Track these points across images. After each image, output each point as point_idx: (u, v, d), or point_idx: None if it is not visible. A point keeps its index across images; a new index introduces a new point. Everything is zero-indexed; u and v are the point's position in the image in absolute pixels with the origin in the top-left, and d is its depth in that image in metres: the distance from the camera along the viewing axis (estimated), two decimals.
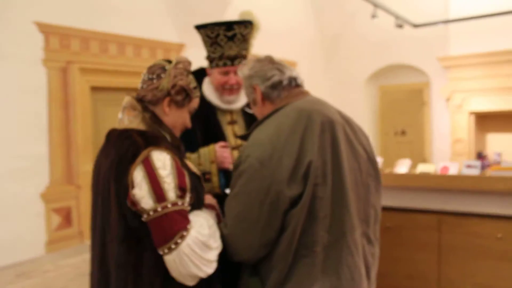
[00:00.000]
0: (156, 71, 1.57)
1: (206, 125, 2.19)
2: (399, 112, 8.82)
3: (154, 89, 1.54)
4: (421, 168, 3.09)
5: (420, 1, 7.58)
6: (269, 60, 1.72)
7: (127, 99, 1.58)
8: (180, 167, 1.46)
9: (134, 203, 1.38)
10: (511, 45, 7.16)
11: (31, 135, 4.56)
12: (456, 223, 2.68)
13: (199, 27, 2.22)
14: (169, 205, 1.38)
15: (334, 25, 8.33)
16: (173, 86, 1.55)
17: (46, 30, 4.64)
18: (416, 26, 6.95)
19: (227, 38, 2.16)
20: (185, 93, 1.59)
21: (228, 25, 2.16)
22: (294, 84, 1.69)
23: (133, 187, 1.38)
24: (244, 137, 1.76)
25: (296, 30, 7.87)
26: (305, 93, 1.70)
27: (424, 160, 8.19)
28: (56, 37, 4.73)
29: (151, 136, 1.48)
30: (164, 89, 1.54)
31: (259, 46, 6.15)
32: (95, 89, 5.23)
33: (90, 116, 5.11)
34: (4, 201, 4.29)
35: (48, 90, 4.68)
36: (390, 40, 7.96)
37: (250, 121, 2.27)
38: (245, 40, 2.21)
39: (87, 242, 4.97)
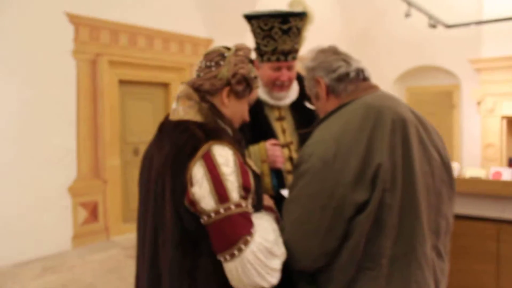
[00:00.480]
0: (215, 58, 1.43)
1: (254, 121, 2.06)
2: (427, 114, 8.50)
3: (213, 77, 1.41)
4: (471, 172, 2.94)
5: (453, 1, 7.38)
6: (334, 50, 1.59)
7: (182, 87, 1.45)
8: (243, 164, 1.33)
9: (193, 202, 1.25)
10: None
11: (60, 127, 4.51)
12: None
13: (250, 17, 2.09)
14: (233, 207, 1.25)
15: (362, 22, 8.17)
16: (234, 75, 1.42)
17: (77, 21, 4.58)
18: (448, 26, 6.76)
19: (282, 32, 2.02)
20: (246, 82, 1.46)
21: (284, 17, 2.01)
22: (361, 76, 1.54)
23: (192, 185, 1.24)
24: (305, 135, 1.62)
25: (323, 26, 7.73)
26: (374, 87, 1.55)
27: None
28: (86, 29, 4.67)
29: (212, 129, 1.35)
30: (223, 78, 1.41)
31: None
32: (123, 82, 5.19)
33: (117, 110, 5.05)
34: (32, 193, 4.25)
35: (77, 82, 4.62)
36: (420, 40, 7.77)
37: (299, 117, 2.14)
38: (299, 34, 2.08)
39: (113, 238, 4.90)
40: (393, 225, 1.35)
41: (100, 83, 4.82)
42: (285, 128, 2.13)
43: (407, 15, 5.59)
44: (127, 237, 4.93)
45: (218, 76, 1.42)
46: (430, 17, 6.20)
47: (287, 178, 2.03)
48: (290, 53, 2.04)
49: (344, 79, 1.51)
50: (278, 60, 2.02)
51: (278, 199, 1.87)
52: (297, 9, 2.06)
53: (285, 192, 1.91)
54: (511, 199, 2.57)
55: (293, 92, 2.12)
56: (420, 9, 5.82)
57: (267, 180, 1.93)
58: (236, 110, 1.48)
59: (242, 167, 1.31)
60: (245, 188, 1.28)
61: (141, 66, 5.28)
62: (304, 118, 2.17)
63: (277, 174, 1.99)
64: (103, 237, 4.85)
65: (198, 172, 1.26)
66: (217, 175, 1.25)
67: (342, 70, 1.51)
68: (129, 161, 5.36)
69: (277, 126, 2.12)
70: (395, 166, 1.35)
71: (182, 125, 1.37)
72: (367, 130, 1.37)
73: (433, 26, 6.36)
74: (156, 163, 1.38)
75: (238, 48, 1.48)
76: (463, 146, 7.94)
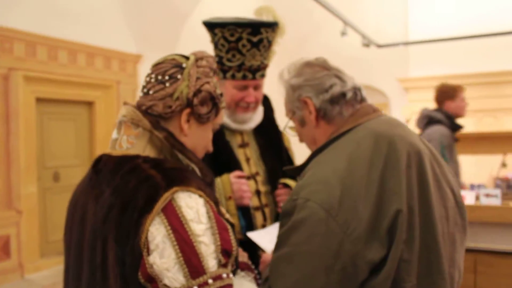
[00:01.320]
0: (169, 70, 1.10)
1: (213, 149, 1.76)
2: None
3: (167, 96, 1.07)
4: None
5: (382, 22, 7.53)
6: (323, 64, 1.30)
7: (125, 110, 1.10)
8: (220, 218, 1.00)
9: (152, 278, 0.91)
10: (469, 69, 7.23)
11: None
12: (494, 262, 2.25)
13: (213, 26, 1.78)
14: (210, 281, 0.92)
15: (298, 36, 8.12)
16: (196, 92, 1.09)
17: None
18: (379, 46, 6.85)
19: (251, 44, 1.72)
20: (212, 102, 1.14)
21: (255, 28, 1.71)
22: (359, 97, 1.27)
23: (149, 252, 0.91)
24: (294, 172, 1.31)
25: None
26: (376, 110, 1.27)
27: None
28: None
29: (172, 169, 1.02)
30: (182, 97, 1.08)
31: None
32: (41, 100, 4.65)
33: (34, 131, 4.50)
34: None
35: None
36: (353, 58, 7.83)
37: (265, 143, 1.86)
38: (269, 47, 1.80)
39: (29, 276, 4.31)
40: (412, 287, 1.08)
41: (13, 101, 4.28)
42: (249, 157, 1.82)
43: (343, 33, 5.54)
44: (45, 274, 4.37)
45: (174, 95, 1.08)
46: (364, 36, 6.22)
47: (255, 215, 1.74)
48: (259, 70, 1.75)
49: (339, 100, 1.23)
50: (244, 78, 1.71)
51: (247, 243, 1.58)
52: (267, 18, 1.76)
53: (254, 236, 1.60)
54: (484, 225, 2.43)
55: (258, 115, 1.84)
56: (354, 28, 5.80)
57: (235, 222, 1.61)
58: (198, 140, 1.15)
59: (219, 221, 0.98)
60: (224, 252, 0.96)
61: (62, 83, 4.78)
62: (270, 143, 1.89)
63: (244, 212, 1.67)
64: (17, 276, 4.25)
65: (157, 233, 0.91)
66: (185, 237, 0.92)
67: (337, 89, 1.22)
68: (49, 188, 4.81)
69: (240, 154, 1.81)
70: (412, 211, 1.09)
71: (128, 163, 1.02)
72: (379, 167, 1.10)
73: (366, 45, 6.40)
74: (92, 218, 1.01)
75: (199, 57, 1.15)
76: None
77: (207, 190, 1.02)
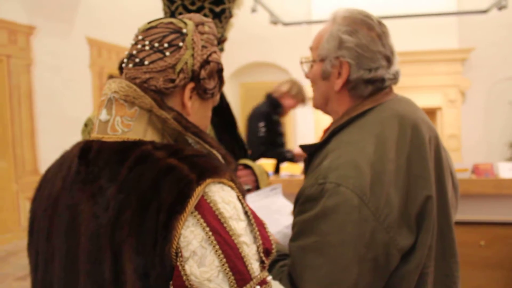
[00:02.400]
0: (168, 36, 0.91)
1: None
2: None
3: (169, 68, 0.90)
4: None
5: (285, 2, 7.57)
6: (381, 34, 1.16)
7: (118, 84, 0.90)
8: (253, 212, 0.87)
9: None
10: None
11: None
12: None
13: None
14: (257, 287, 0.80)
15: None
16: (203, 64, 0.93)
17: None
18: (285, 24, 6.89)
19: (213, 15, 1.59)
20: (218, 75, 0.98)
21: None
22: (395, 82, 1.20)
23: (183, 260, 0.76)
24: (310, 149, 1.18)
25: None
26: (392, 90, 1.22)
27: None
28: None
29: (197, 157, 0.85)
30: (187, 69, 0.91)
31: (111, 32, 5.42)
32: None
33: None
34: None
35: None
36: (258, 37, 7.82)
37: (219, 123, 1.74)
38: (230, 18, 1.68)
39: None
40: (431, 273, 1.08)
41: None
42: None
43: (253, 10, 5.47)
44: None
45: (178, 66, 0.90)
46: (271, 14, 6.21)
47: None
48: (219, 44, 1.61)
49: (376, 84, 1.14)
50: None
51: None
52: None
53: None
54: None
55: None
56: (264, 6, 5.76)
57: None
58: (200, 120, 0.98)
59: (256, 216, 0.85)
60: (265, 251, 0.83)
61: None
62: (224, 122, 1.78)
63: None
64: None
65: (193, 236, 0.76)
66: (228, 239, 0.77)
67: (380, 73, 1.13)
68: None
69: None
70: (439, 194, 1.08)
71: (133, 150, 0.83)
72: (405, 151, 1.06)
73: (274, 23, 6.39)
74: (92, 222, 0.81)
75: (199, 22, 0.97)
76: (297, 141, 8.27)
77: (237, 180, 0.87)
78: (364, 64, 1.14)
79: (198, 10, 1.56)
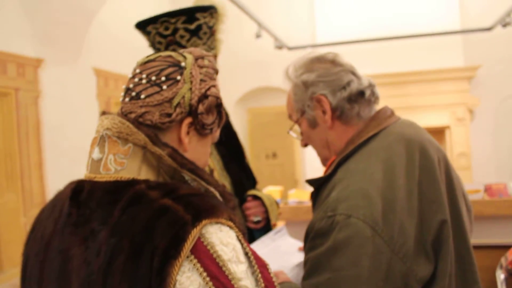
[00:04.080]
0: (165, 70, 0.89)
1: None
2: (269, 135, 8.76)
3: (165, 102, 0.87)
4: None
5: (290, 26, 7.62)
6: (334, 59, 1.17)
7: (110, 120, 0.87)
8: (253, 251, 0.82)
9: None
10: (374, 70, 7.56)
11: None
12: None
13: (145, 24, 1.59)
14: None
15: None
16: (202, 98, 0.89)
17: None
18: (290, 49, 6.92)
19: (190, 33, 1.57)
20: (217, 110, 0.95)
21: (189, 14, 1.56)
22: (375, 96, 1.19)
23: None
24: (317, 182, 1.14)
25: None
26: (393, 113, 1.20)
27: (295, 183, 8.18)
28: None
29: (192, 196, 0.80)
30: (185, 103, 0.88)
31: (117, 62, 5.46)
32: None
33: None
34: None
35: None
36: (264, 61, 7.85)
37: (227, 151, 1.71)
38: (212, 34, 1.65)
39: None
40: None
41: None
42: (212, 168, 1.66)
43: (258, 35, 5.49)
44: None
45: (174, 101, 0.86)
46: (276, 39, 6.24)
47: None
48: None
49: (358, 99, 1.12)
50: None
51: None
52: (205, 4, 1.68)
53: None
54: None
55: None
56: (268, 31, 5.79)
57: None
58: (198, 156, 0.94)
59: (257, 257, 0.80)
60: None
61: None
62: (232, 152, 1.74)
63: None
64: None
65: (189, 283, 0.71)
66: (227, 284, 0.72)
67: (354, 86, 1.12)
68: None
69: None
70: (453, 218, 1.04)
71: (126, 190, 0.79)
72: (416, 175, 1.02)
73: (279, 47, 6.42)
74: (83, 268, 0.76)
75: (199, 55, 0.94)
76: (306, 164, 8.21)
77: (236, 219, 0.83)
78: (335, 85, 1.13)
79: (174, 33, 1.55)
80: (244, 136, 8.93)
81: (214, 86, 0.94)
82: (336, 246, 0.94)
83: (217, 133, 1.01)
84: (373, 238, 0.93)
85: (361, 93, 1.14)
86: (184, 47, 1.55)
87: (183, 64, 0.91)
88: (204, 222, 0.76)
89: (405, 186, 1.00)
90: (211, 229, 0.77)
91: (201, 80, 0.92)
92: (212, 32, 1.66)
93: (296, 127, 1.27)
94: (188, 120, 0.90)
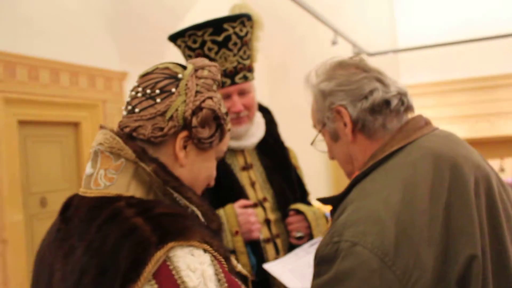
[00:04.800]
0: (161, 82, 0.87)
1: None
2: None
3: (158, 116, 0.84)
4: None
5: (370, 31, 7.44)
6: (359, 64, 1.06)
7: (102, 135, 0.87)
8: (232, 278, 0.76)
9: None
10: (460, 74, 7.15)
11: None
12: None
13: (174, 37, 1.59)
14: None
15: (280, 51, 7.99)
16: (196, 111, 0.85)
17: None
18: (370, 55, 6.74)
19: (218, 45, 1.51)
20: (216, 123, 0.90)
21: (216, 25, 1.50)
22: (406, 105, 1.04)
23: None
24: (330, 202, 1.05)
25: None
26: (428, 123, 1.04)
27: None
28: None
29: (166, 215, 0.77)
30: (178, 116, 0.85)
31: None
32: (24, 123, 4.42)
33: (18, 156, 4.27)
34: None
35: None
36: None
37: (271, 162, 1.64)
38: (244, 44, 1.59)
39: None
40: None
41: None
42: (254, 180, 1.59)
43: (334, 43, 5.41)
44: None
45: (167, 114, 0.84)
46: (354, 45, 6.11)
47: (266, 249, 1.52)
48: (237, 73, 1.53)
49: (382, 109, 0.99)
50: (222, 85, 1.51)
51: (260, 284, 1.37)
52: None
53: (273, 269, 1.39)
54: None
55: (259, 128, 1.64)
56: (345, 38, 5.68)
57: (244, 260, 1.37)
58: (198, 171, 0.90)
59: (232, 283, 0.74)
60: None
61: (45, 104, 4.58)
62: (276, 163, 1.66)
63: (254, 247, 1.43)
64: None
65: None
66: None
67: (378, 95, 0.99)
68: (36, 214, 4.56)
69: (243, 178, 1.57)
70: (485, 255, 0.85)
71: (107, 208, 0.78)
72: (443, 198, 0.86)
73: (357, 54, 6.27)
74: (62, 284, 0.76)
75: (200, 66, 0.91)
76: None
77: (215, 241, 0.77)
78: (356, 95, 1.02)
79: (201, 46, 1.51)
80: None
81: (210, 98, 0.88)
82: (338, 277, 0.84)
83: (221, 147, 0.96)
84: (381, 271, 0.80)
85: (386, 103, 1.01)
86: (213, 60, 1.51)
87: (180, 76, 0.89)
88: (170, 244, 0.72)
89: (427, 211, 0.85)
90: (180, 252, 0.72)
91: (197, 92, 0.88)
92: (244, 42, 1.58)
93: (320, 137, 1.18)
94: (184, 134, 0.87)
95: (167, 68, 0.91)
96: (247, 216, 1.42)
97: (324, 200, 1.09)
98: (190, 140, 0.88)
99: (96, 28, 5.07)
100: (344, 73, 1.06)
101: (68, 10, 4.70)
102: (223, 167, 1.50)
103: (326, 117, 1.08)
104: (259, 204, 1.57)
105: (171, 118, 0.85)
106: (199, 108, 0.86)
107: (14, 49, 4.21)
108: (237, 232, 1.39)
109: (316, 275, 0.90)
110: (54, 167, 4.80)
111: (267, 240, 1.54)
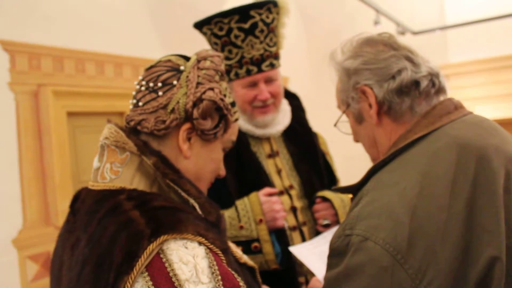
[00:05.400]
0: (163, 75, 0.88)
1: (237, 164, 1.46)
2: None
3: (160, 109, 0.86)
4: None
5: (416, 8, 7.18)
6: (388, 41, 1.00)
7: (108, 130, 0.90)
8: (227, 271, 0.76)
9: None
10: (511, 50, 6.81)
11: None
12: None
13: (200, 25, 1.60)
14: None
15: (330, 27, 7.87)
16: (197, 102, 0.86)
17: (12, 48, 4.02)
18: (415, 33, 6.52)
19: (244, 33, 1.51)
20: (219, 114, 0.90)
21: (243, 12, 1.50)
22: (437, 87, 0.99)
23: None
24: (346, 191, 1.01)
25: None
26: (459, 108, 0.98)
27: None
28: (24, 57, 4.11)
29: (162, 208, 0.78)
30: (179, 108, 0.86)
31: None
32: (72, 114, 4.61)
33: (67, 146, 4.47)
34: None
35: (17, 117, 4.04)
36: None
37: (298, 150, 1.62)
38: (271, 31, 1.57)
39: None
40: None
41: (45, 117, 4.25)
42: (280, 168, 1.58)
43: (376, 22, 5.28)
44: None
45: (169, 106, 0.85)
46: (398, 24, 5.93)
47: (292, 237, 1.52)
48: (264, 60, 1.52)
49: (410, 91, 0.94)
50: (248, 72, 1.50)
51: (285, 272, 1.37)
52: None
53: (299, 252, 1.38)
54: None
55: (285, 116, 1.63)
56: (388, 16, 5.53)
57: (268, 248, 1.36)
58: (203, 163, 0.90)
59: (227, 278, 0.74)
60: None
61: (92, 95, 4.74)
62: (303, 150, 1.65)
63: (279, 235, 1.43)
64: None
65: None
66: None
67: (407, 76, 0.93)
68: None
69: (269, 166, 1.57)
70: (510, 256, 0.78)
71: (109, 201, 0.80)
72: (465, 193, 0.80)
73: (401, 33, 6.09)
74: (67, 275, 0.79)
75: (202, 57, 0.91)
76: None
77: (210, 234, 0.77)
78: (383, 74, 0.95)
79: (228, 34, 1.50)
80: None
81: (211, 89, 0.87)
82: (347, 272, 0.80)
83: (229, 137, 0.94)
84: (393, 269, 0.75)
85: (415, 84, 0.95)
86: (240, 47, 1.50)
87: (182, 68, 0.89)
88: (163, 237, 0.72)
89: (447, 206, 0.79)
90: (174, 245, 0.73)
91: (198, 83, 0.87)
92: (270, 29, 1.56)
93: (344, 118, 1.09)
94: (186, 126, 0.87)
95: (169, 60, 0.92)
96: (271, 204, 1.42)
97: (340, 190, 1.05)
98: (194, 132, 0.89)
99: (139, 18, 5.18)
100: (371, 50, 1.00)
101: (111, 2, 4.82)
102: (248, 155, 1.51)
103: (350, 97, 1.03)
104: (285, 191, 1.57)
105: (172, 110, 0.86)
106: (199, 100, 0.87)
107: (61, 43, 4.37)
108: (261, 221, 1.39)
109: (329, 267, 0.88)
110: None
111: (293, 228, 1.54)
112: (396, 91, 0.96)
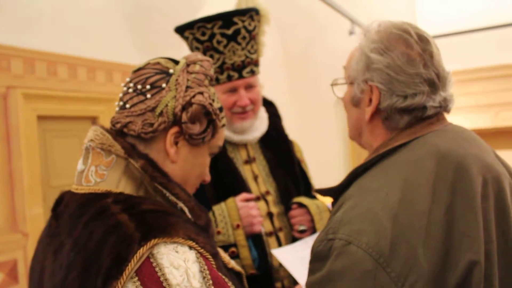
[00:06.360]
0: (151, 77, 0.86)
1: (214, 169, 1.49)
2: None
3: (148, 111, 0.84)
4: None
5: (389, 19, 7.31)
6: (424, 49, 0.95)
7: (93, 132, 0.87)
8: (218, 275, 0.75)
9: None
10: (483, 62, 6.99)
11: None
12: None
13: (181, 29, 1.59)
14: None
15: (301, 40, 7.93)
16: (186, 106, 0.85)
17: None
18: None
19: (227, 38, 1.50)
20: (208, 119, 0.88)
21: (226, 19, 1.50)
22: (438, 118, 0.98)
23: None
24: (328, 193, 1.01)
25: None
26: (440, 119, 0.99)
27: None
28: None
29: (151, 212, 0.76)
30: (168, 112, 0.84)
31: None
32: (43, 118, 4.50)
33: (37, 150, 4.36)
34: None
35: None
36: None
37: (274, 156, 1.63)
38: (252, 38, 1.58)
39: None
40: None
41: (13, 120, 4.14)
42: (257, 174, 1.59)
43: (351, 32, 5.35)
44: None
45: (157, 109, 0.84)
46: None
47: (268, 242, 1.52)
48: (245, 67, 1.52)
49: (414, 113, 0.93)
50: (229, 78, 1.50)
51: (262, 277, 1.36)
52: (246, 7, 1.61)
53: (281, 256, 1.37)
54: None
55: (262, 123, 1.63)
56: (362, 27, 5.61)
57: (245, 253, 1.36)
58: (190, 167, 0.89)
59: (218, 282, 0.73)
60: None
61: (64, 99, 4.64)
62: (279, 157, 1.65)
63: (256, 240, 1.43)
64: None
65: None
66: None
67: (420, 100, 0.92)
68: None
69: (246, 172, 1.57)
70: (490, 261, 0.79)
71: (95, 204, 0.78)
72: (445, 200, 0.82)
73: None
74: (49, 281, 0.76)
75: (192, 61, 0.90)
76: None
77: (201, 238, 0.76)
78: (398, 89, 0.94)
79: (210, 39, 1.50)
80: (346, 137, 8.71)
81: (201, 93, 0.87)
82: (330, 276, 0.80)
83: (215, 142, 0.94)
84: (376, 273, 0.76)
85: (421, 109, 0.94)
86: (221, 53, 1.50)
87: (171, 71, 0.88)
88: (153, 241, 0.71)
89: (427, 212, 0.81)
90: (164, 249, 0.71)
91: (187, 87, 0.86)
92: (252, 36, 1.57)
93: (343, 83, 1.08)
94: (174, 129, 0.86)
95: (158, 63, 0.90)
96: (248, 209, 1.42)
97: (322, 192, 1.05)
98: (182, 136, 0.88)
99: (114, 21, 5.11)
100: (402, 55, 0.95)
101: (86, 5, 4.74)
102: (225, 161, 1.51)
103: (358, 82, 1.01)
104: (261, 197, 1.57)
105: (161, 113, 0.85)
106: (189, 104, 0.86)
107: (33, 45, 4.27)
108: (238, 226, 1.39)
109: (310, 272, 0.87)
110: (73, 161, 4.86)
111: (269, 234, 1.54)
112: (399, 110, 0.96)
